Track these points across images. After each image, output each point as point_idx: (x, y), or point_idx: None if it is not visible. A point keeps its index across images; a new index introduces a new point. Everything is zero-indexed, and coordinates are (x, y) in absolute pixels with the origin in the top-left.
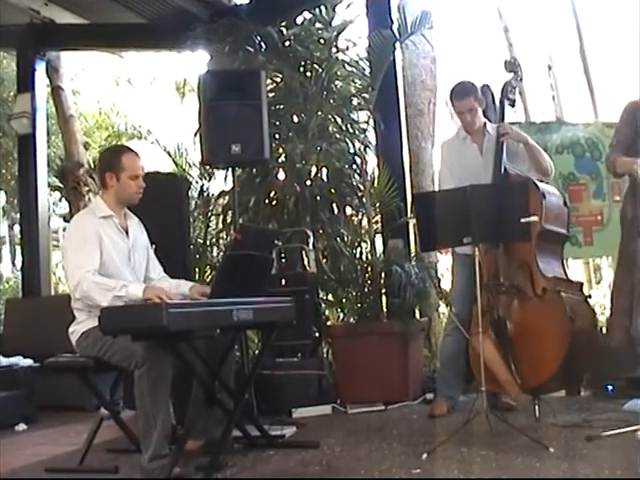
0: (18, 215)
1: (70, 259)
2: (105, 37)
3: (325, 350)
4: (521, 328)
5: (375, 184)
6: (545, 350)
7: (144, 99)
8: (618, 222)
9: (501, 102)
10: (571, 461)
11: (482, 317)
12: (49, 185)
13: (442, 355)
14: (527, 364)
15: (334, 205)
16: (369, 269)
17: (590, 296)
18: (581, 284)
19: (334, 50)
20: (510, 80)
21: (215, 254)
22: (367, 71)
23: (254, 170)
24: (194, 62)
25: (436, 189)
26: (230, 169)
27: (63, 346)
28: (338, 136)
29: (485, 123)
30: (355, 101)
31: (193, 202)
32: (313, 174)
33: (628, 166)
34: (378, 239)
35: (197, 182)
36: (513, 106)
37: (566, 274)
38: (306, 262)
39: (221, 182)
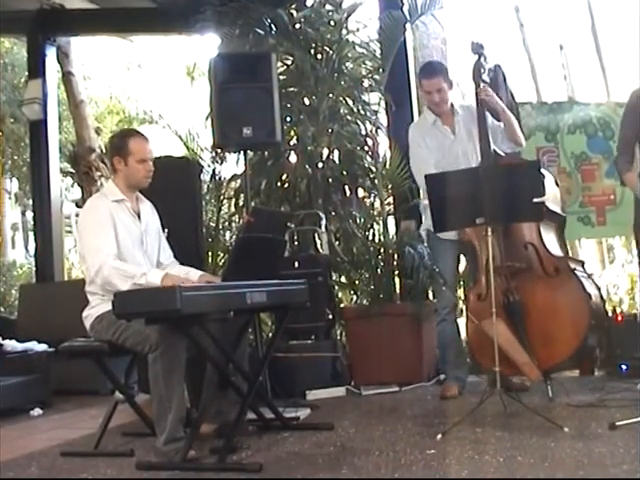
0: (30, 201)
1: (89, 242)
2: (115, 22)
3: (339, 332)
4: (536, 309)
5: (387, 165)
6: (564, 329)
7: (155, 83)
8: (631, 202)
9: (476, 84)
10: (586, 441)
11: (492, 300)
12: (61, 171)
13: (441, 339)
14: (544, 345)
15: (346, 187)
16: (382, 251)
17: (593, 274)
18: (584, 262)
19: (344, 32)
20: (479, 61)
21: (227, 237)
22: (378, 52)
23: (266, 153)
24: (204, 46)
25: (416, 174)
26: (242, 152)
27: (77, 331)
28: (349, 118)
29: (452, 104)
30: (366, 83)
31: (205, 186)
32: (325, 156)
33: (632, 186)
34: (390, 221)
35: (209, 166)
36: (491, 86)
37: (567, 253)
38: (319, 244)
39: (233, 165)
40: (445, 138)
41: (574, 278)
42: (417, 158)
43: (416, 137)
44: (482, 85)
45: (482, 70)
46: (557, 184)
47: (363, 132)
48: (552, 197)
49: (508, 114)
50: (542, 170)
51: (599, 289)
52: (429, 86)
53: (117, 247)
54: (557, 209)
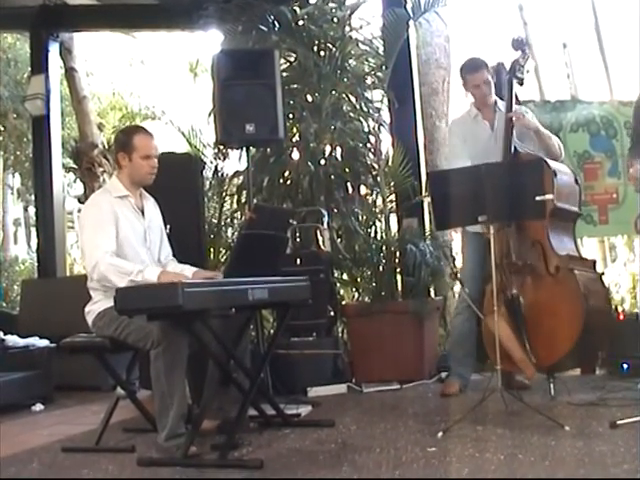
0: (33, 197)
1: (88, 238)
2: (117, 18)
3: (340, 329)
4: (535, 307)
5: (389, 163)
6: (559, 328)
7: (157, 80)
8: (634, 200)
9: (509, 81)
10: (586, 439)
11: (496, 296)
12: (63, 166)
13: (453, 334)
14: (541, 343)
15: (348, 184)
16: (384, 248)
17: (603, 274)
18: (594, 262)
19: (348, 29)
20: (518, 58)
21: (230, 234)
22: (381, 50)
23: (268, 150)
24: (207, 42)
25: (447, 166)
26: (244, 149)
27: (79, 326)
28: (352, 115)
29: (496, 100)
30: (369, 80)
31: (207, 182)
32: (327, 153)
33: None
34: (393, 218)
35: (211, 162)
36: (522, 84)
37: (579, 252)
38: (321, 241)
39: (235, 162)
40: (483, 132)
41: (572, 277)
42: (453, 152)
43: (456, 131)
44: (514, 109)
45: (518, 67)
46: (577, 182)
47: (366, 129)
48: (564, 195)
49: (542, 133)
50: (559, 167)
51: (607, 289)
52: (477, 79)
53: (120, 244)
54: (570, 206)
